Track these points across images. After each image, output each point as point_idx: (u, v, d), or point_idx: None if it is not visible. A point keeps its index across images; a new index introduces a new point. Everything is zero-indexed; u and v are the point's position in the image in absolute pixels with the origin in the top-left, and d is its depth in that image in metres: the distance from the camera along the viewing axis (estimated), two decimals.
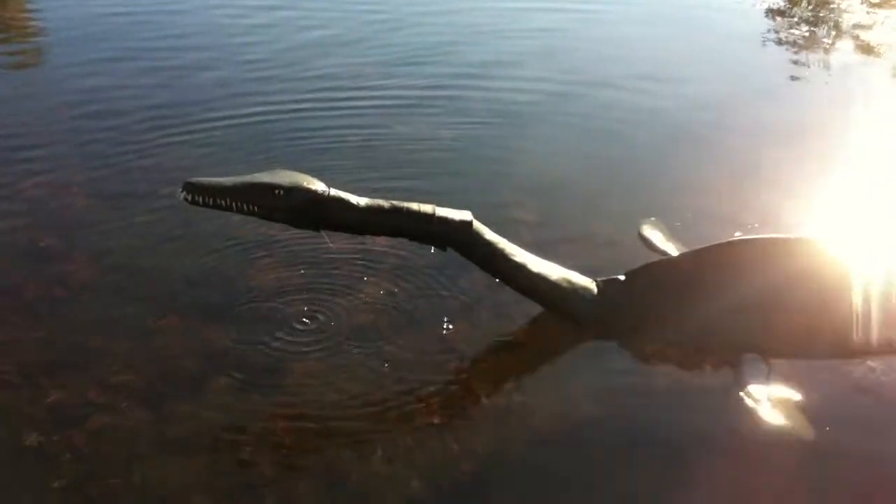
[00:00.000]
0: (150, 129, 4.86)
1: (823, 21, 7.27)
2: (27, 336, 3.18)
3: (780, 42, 6.86)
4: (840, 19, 7.29)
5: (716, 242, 3.36)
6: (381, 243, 3.62)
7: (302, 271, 3.57)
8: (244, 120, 5.03)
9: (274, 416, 2.89)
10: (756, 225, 3.87)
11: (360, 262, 3.63)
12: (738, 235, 3.58)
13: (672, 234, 3.82)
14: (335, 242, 3.45)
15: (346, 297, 3.43)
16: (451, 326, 3.29)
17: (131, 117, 5.00)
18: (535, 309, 3.35)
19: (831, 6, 7.62)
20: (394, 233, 3.21)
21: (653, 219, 3.93)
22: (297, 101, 5.31)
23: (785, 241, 3.38)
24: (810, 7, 7.64)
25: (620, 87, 5.64)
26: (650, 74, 5.85)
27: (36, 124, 4.92)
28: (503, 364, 3.24)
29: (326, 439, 2.83)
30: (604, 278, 3.32)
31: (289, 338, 3.20)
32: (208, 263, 3.64)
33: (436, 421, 2.90)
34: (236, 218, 3.48)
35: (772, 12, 7.54)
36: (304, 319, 3.29)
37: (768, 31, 7.11)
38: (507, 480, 2.69)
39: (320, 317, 3.31)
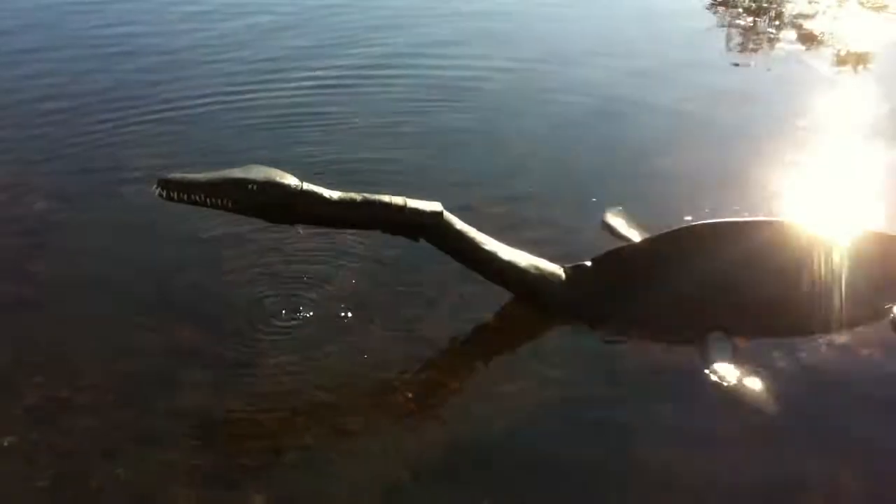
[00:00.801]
0: (101, 121, 4.90)
1: (766, 11, 7.47)
2: (5, 339, 3.19)
3: (725, 29, 7.05)
4: (783, 10, 7.50)
5: (675, 227, 3.49)
6: (350, 235, 3.68)
7: (271, 265, 3.61)
8: (195, 108, 5.13)
9: (250, 409, 2.94)
10: (708, 210, 3.99)
11: (330, 254, 3.68)
12: (689, 220, 3.71)
13: (634, 222, 3.93)
14: (305, 233, 3.47)
15: (318, 289, 3.48)
16: (423, 315, 3.37)
17: (81, 110, 5.03)
18: (506, 296, 3.43)
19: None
20: (367, 225, 3.27)
21: (618, 207, 4.03)
22: (247, 87, 5.45)
23: (741, 223, 3.53)
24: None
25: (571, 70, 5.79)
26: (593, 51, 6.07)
27: None
28: (474, 351, 3.32)
29: (303, 430, 2.88)
30: (571, 265, 3.41)
31: (262, 332, 3.24)
32: (176, 260, 3.67)
33: (412, 409, 2.97)
34: (203, 213, 3.46)
35: (715, 4, 7.73)
36: (277, 313, 3.33)
37: (714, 22, 7.31)
38: (482, 466, 2.76)
39: (293, 310, 3.35)
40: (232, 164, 3.16)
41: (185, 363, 3.08)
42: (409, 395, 3.02)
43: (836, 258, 3.43)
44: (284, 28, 6.54)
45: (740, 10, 7.50)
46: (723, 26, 7.21)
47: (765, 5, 7.58)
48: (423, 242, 3.29)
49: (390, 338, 3.26)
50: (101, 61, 5.83)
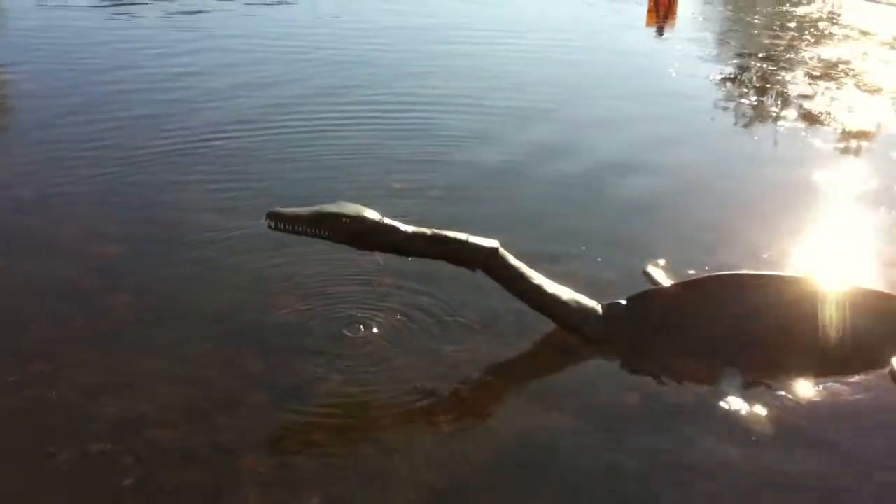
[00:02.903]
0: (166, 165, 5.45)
1: (770, 91, 7.99)
2: (81, 362, 3.53)
3: (730, 109, 7.55)
4: (786, 90, 8.00)
5: (693, 278, 3.95)
6: (399, 274, 4.13)
7: (321, 304, 4.00)
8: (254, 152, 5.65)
9: (306, 425, 3.28)
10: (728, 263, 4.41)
11: (371, 296, 4.07)
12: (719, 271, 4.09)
13: (669, 272, 4.33)
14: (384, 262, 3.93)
15: (365, 321, 3.86)
16: (470, 339, 3.80)
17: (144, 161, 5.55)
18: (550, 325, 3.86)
19: (777, 78, 8.36)
20: (433, 256, 3.73)
21: (657, 259, 4.45)
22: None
23: (760, 276, 3.93)
24: (759, 80, 8.37)
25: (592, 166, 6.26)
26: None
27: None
28: (520, 374, 3.73)
29: (353, 442, 3.22)
30: (608, 302, 3.84)
31: (314, 361, 3.61)
32: (236, 296, 4.05)
33: (453, 426, 3.32)
34: (260, 254, 4.17)
35: (724, 81, 8.25)
36: (327, 344, 3.71)
37: (720, 99, 7.82)
38: (516, 478, 3.07)
39: (341, 341, 3.73)
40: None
41: (247, 386, 3.42)
42: (450, 414, 3.37)
43: (841, 312, 3.81)
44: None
45: (745, 88, 8.03)
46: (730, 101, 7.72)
47: (768, 86, 8.11)
48: (479, 273, 3.75)
49: (434, 361, 3.63)
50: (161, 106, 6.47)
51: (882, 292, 4.05)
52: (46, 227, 4.67)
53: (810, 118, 7.23)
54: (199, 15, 9.68)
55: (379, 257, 3.78)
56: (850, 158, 6.32)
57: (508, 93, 7.61)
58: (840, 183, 5.82)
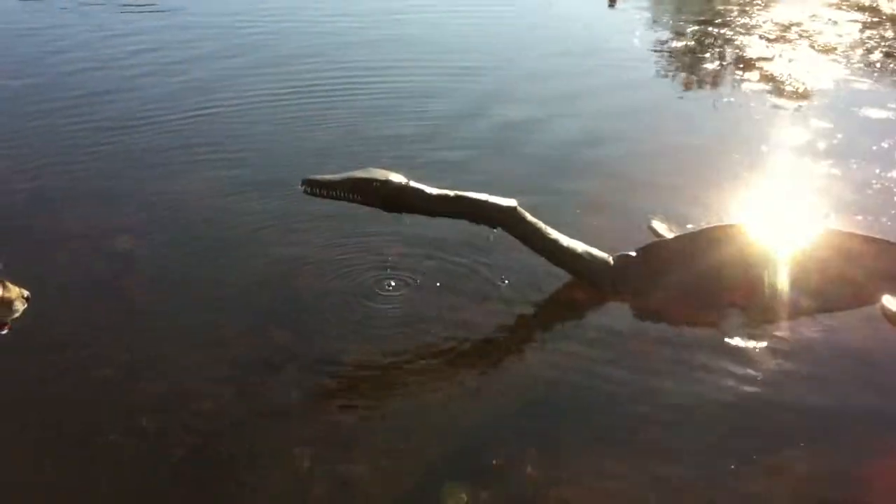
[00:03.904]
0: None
1: (730, 56, 8.27)
2: (116, 347, 3.66)
3: (694, 74, 7.82)
4: (744, 54, 8.29)
5: (693, 230, 4.30)
6: (418, 258, 4.32)
7: (338, 275, 4.20)
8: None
9: (342, 389, 3.51)
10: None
11: (390, 271, 4.23)
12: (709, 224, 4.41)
13: (671, 225, 4.60)
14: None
15: (386, 290, 4.07)
16: (505, 282, 4.11)
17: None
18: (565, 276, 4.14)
19: (736, 42, 8.65)
20: (457, 215, 3.98)
21: (658, 214, 4.71)
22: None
23: (758, 225, 4.23)
24: (717, 45, 8.65)
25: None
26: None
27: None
28: (536, 327, 4.00)
29: (391, 401, 3.46)
30: (619, 253, 4.12)
31: (338, 328, 3.80)
32: (255, 275, 4.21)
33: (478, 382, 3.59)
34: (275, 238, 4.32)
35: (685, 47, 8.52)
36: (350, 312, 3.91)
37: (682, 66, 8.09)
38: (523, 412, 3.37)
39: (363, 308, 3.94)
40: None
41: (279, 356, 3.61)
42: (476, 369, 3.65)
43: (834, 255, 4.14)
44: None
45: (706, 54, 8.30)
46: (693, 67, 8.00)
47: (727, 51, 8.39)
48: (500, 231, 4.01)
49: (467, 320, 3.89)
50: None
51: (869, 236, 4.37)
52: (51, 222, 4.74)
53: (771, 79, 7.51)
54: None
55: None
56: (814, 116, 6.59)
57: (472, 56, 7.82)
58: (811, 139, 6.11)
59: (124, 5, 9.69)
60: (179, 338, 3.74)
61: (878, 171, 5.53)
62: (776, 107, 6.86)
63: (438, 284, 4.10)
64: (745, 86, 7.38)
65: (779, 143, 6.03)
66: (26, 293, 2.46)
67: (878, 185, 5.33)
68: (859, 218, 4.81)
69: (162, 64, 7.48)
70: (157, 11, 9.53)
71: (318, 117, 6.37)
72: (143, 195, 5.04)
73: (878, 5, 10.46)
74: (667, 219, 4.68)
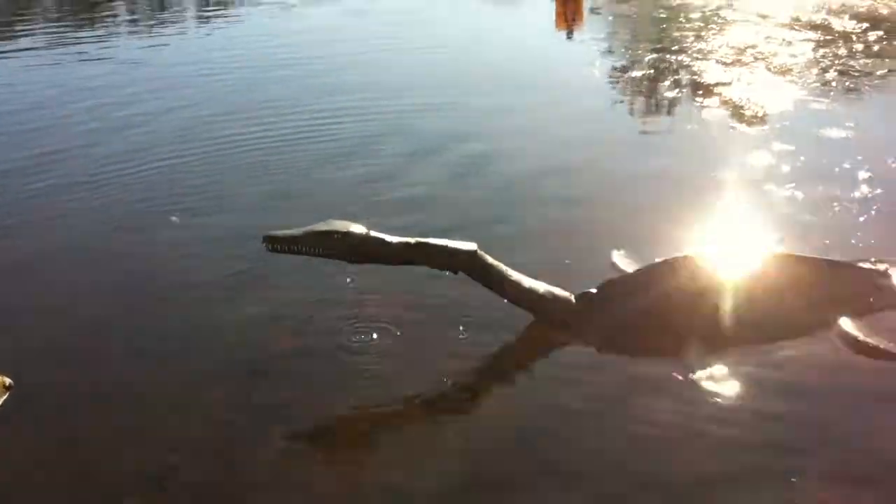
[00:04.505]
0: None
1: (689, 82, 8.41)
2: (96, 420, 3.63)
3: (653, 103, 7.94)
4: (703, 80, 8.43)
5: (652, 263, 4.31)
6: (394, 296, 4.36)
7: (313, 327, 4.22)
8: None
9: (330, 448, 3.52)
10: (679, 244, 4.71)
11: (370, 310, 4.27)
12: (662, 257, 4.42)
13: (633, 259, 4.67)
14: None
15: (364, 337, 4.09)
16: (464, 335, 4.09)
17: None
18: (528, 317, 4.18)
19: (693, 69, 8.79)
20: (419, 262, 4.02)
21: (620, 249, 4.79)
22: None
23: (715, 255, 4.30)
24: (676, 72, 8.79)
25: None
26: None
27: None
28: (508, 364, 4.05)
29: (376, 463, 3.44)
30: (580, 291, 4.16)
31: (323, 381, 3.82)
32: (233, 334, 4.20)
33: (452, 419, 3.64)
34: (247, 294, 4.34)
35: (644, 76, 8.64)
36: (331, 365, 3.93)
37: (641, 93, 8.21)
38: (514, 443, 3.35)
39: (345, 359, 3.95)
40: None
41: (267, 419, 3.59)
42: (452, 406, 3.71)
43: (791, 281, 4.21)
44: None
45: (665, 81, 8.43)
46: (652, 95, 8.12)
47: (686, 77, 8.53)
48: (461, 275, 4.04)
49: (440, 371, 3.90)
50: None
51: (827, 259, 4.46)
52: (18, 290, 4.70)
53: (730, 104, 7.65)
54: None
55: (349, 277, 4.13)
56: (774, 139, 6.70)
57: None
58: (773, 162, 6.22)
59: (82, 60, 9.71)
60: (162, 406, 3.70)
61: (839, 192, 5.63)
62: (736, 131, 6.99)
63: (411, 333, 4.12)
64: (704, 112, 7.51)
65: (741, 167, 6.13)
66: (8, 381, 2.45)
67: (839, 207, 5.43)
68: (824, 241, 4.89)
69: (120, 117, 7.55)
70: (116, 63, 9.56)
71: (281, 163, 6.46)
72: (111, 255, 5.03)
73: (829, 23, 10.69)
74: (628, 251, 4.76)
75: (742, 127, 7.10)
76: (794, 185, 5.78)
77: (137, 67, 9.51)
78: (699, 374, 3.79)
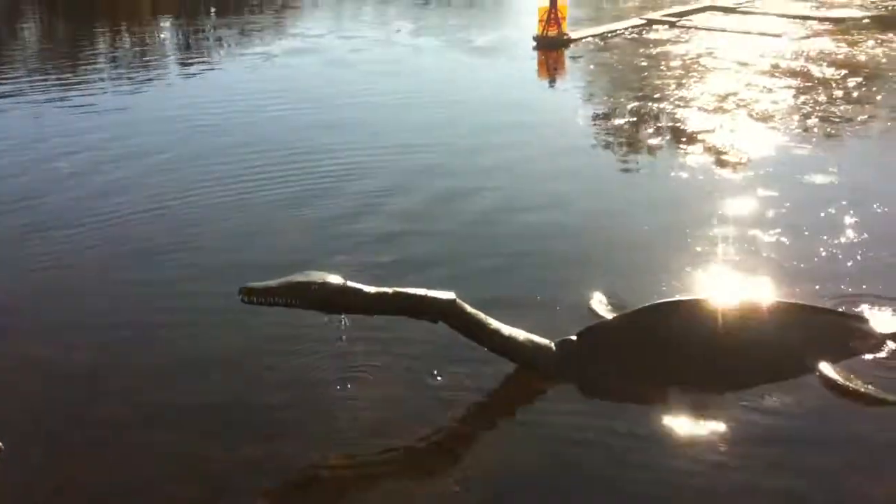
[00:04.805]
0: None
1: (673, 130, 8.42)
2: (93, 478, 3.56)
3: (637, 151, 7.94)
4: (686, 127, 8.45)
5: (633, 309, 4.30)
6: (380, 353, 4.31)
7: (297, 376, 4.18)
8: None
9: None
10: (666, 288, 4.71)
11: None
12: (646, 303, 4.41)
13: (612, 304, 4.69)
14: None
15: (346, 385, 4.07)
16: (439, 378, 4.10)
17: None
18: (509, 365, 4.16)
19: (677, 116, 8.82)
20: (398, 312, 3.96)
21: (599, 294, 4.81)
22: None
23: (694, 300, 4.33)
24: (660, 119, 8.81)
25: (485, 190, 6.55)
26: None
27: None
28: (483, 410, 4.01)
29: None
30: (560, 339, 4.14)
31: (308, 435, 3.75)
32: (214, 389, 4.15)
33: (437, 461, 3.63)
34: (232, 344, 4.31)
35: (628, 124, 8.65)
36: (318, 417, 3.87)
37: (626, 142, 8.21)
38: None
39: (330, 412, 3.89)
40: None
41: (253, 475, 3.54)
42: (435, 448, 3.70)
43: (770, 326, 4.24)
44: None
45: (649, 129, 8.44)
46: (636, 143, 8.12)
47: (669, 125, 8.55)
48: (441, 325, 4.00)
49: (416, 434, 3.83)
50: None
51: (805, 304, 4.49)
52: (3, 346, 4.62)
53: (714, 151, 7.66)
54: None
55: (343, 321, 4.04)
56: (759, 185, 6.72)
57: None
58: (757, 209, 6.24)
59: (65, 107, 9.68)
60: (154, 462, 3.64)
61: (826, 237, 5.63)
62: (721, 178, 6.99)
63: (397, 377, 4.12)
64: (689, 158, 7.52)
65: (725, 214, 6.14)
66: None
67: (826, 254, 5.42)
68: (811, 287, 4.91)
69: (101, 161, 7.60)
70: (96, 112, 9.54)
71: (262, 204, 6.51)
72: (94, 306, 4.98)
73: (808, 70, 10.78)
74: (609, 297, 4.76)
75: (726, 172, 7.11)
76: (780, 230, 5.80)
77: (118, 114, 9.51)
78: (681, 422, 3.78)
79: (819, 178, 6.86)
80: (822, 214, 6.06)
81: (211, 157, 7.70)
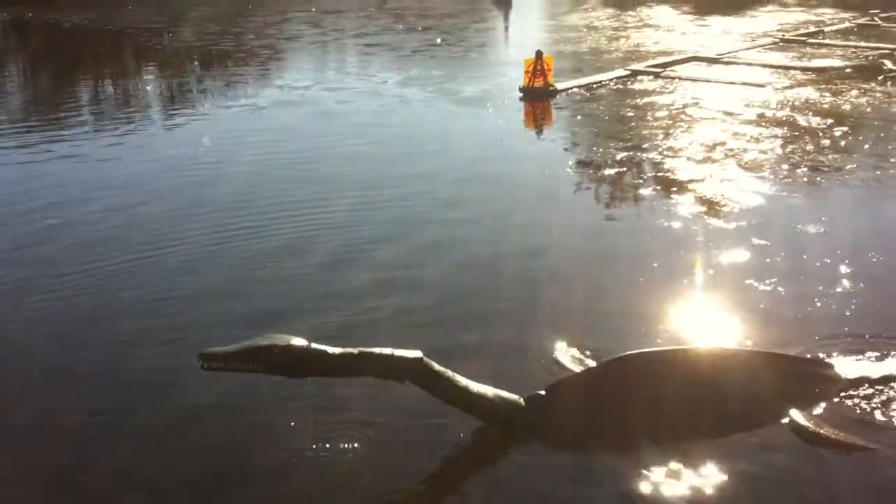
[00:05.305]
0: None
1: (662, 181, 8.39)
2: None
3: (627, 202, 7.89)
4: (676, 177, 8.42)
5: (603, 361, 4.31)
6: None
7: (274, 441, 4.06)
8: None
9: None
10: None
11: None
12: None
13: (578, 356, 4.67)
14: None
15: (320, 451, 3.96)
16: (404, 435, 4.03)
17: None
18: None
19: (665, 166, 8.80)
20: (363, 373, 3.85)
21: (564, 345, 4.78)
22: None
23: (662, 351, 4.39)
24: (648, 170, 8.79)
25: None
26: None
27: None
28: (450, 466, 3.96)
29: None
30: (529, 394, 4.09)
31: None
32: (217, 456, 4.05)
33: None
34: (218, 408, 4.16)
35: (617, 175, 8.62)
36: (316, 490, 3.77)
37: (616, 193, 8.17)
38: None
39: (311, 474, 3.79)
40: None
41: None
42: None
43: (738, 375, 4.23)
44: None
45: (638, 180, 8.41)
46: (626, 195, 8.07)
47: (658, 175, 8.52)
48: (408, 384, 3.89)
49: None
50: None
51: (773, 352, 4.51)
52: None
53: (704, 201, 7.63)
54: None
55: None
56: (751, 234, 6.67)
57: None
58: (750, 259, 6.19)
59: (52, 158, 9.62)
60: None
61: (820, 287, 5.57)
62: (712, 228, 6.94)
63: (377, 437, 4.04)
64: (677, 207, 7.47)
65: (717, 265, 6.09)
66: None
67: (820, 304, 5.36)
68: (803, 336, 4.90)
69: (82, 212, 7.57)
70: (84, 162, 9.48)
71: (243, 252, 6.51)
72: (79, 364, 4.86)
73: (794, 119, 10.83)
74: (577, 350, 4.73)
75: (716, 222, 7.06)
76: (776, 280, 5.72)
77: (102, 165, 9.51)
78: (654, 475, 3.75)
79: (811, 228, 6.85)
80: (818, 264, 6.03)
81: (199, 208, 7.65)
